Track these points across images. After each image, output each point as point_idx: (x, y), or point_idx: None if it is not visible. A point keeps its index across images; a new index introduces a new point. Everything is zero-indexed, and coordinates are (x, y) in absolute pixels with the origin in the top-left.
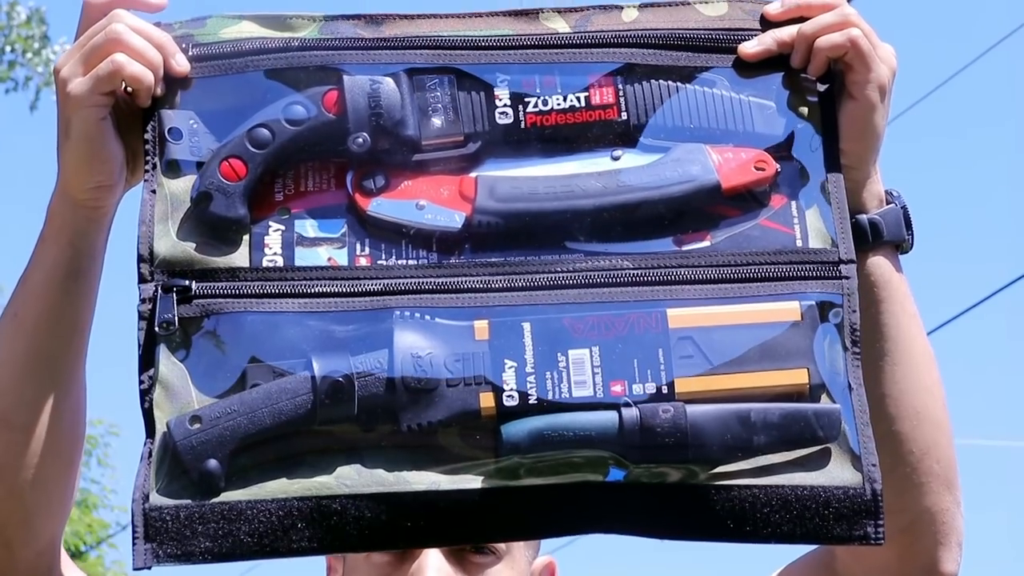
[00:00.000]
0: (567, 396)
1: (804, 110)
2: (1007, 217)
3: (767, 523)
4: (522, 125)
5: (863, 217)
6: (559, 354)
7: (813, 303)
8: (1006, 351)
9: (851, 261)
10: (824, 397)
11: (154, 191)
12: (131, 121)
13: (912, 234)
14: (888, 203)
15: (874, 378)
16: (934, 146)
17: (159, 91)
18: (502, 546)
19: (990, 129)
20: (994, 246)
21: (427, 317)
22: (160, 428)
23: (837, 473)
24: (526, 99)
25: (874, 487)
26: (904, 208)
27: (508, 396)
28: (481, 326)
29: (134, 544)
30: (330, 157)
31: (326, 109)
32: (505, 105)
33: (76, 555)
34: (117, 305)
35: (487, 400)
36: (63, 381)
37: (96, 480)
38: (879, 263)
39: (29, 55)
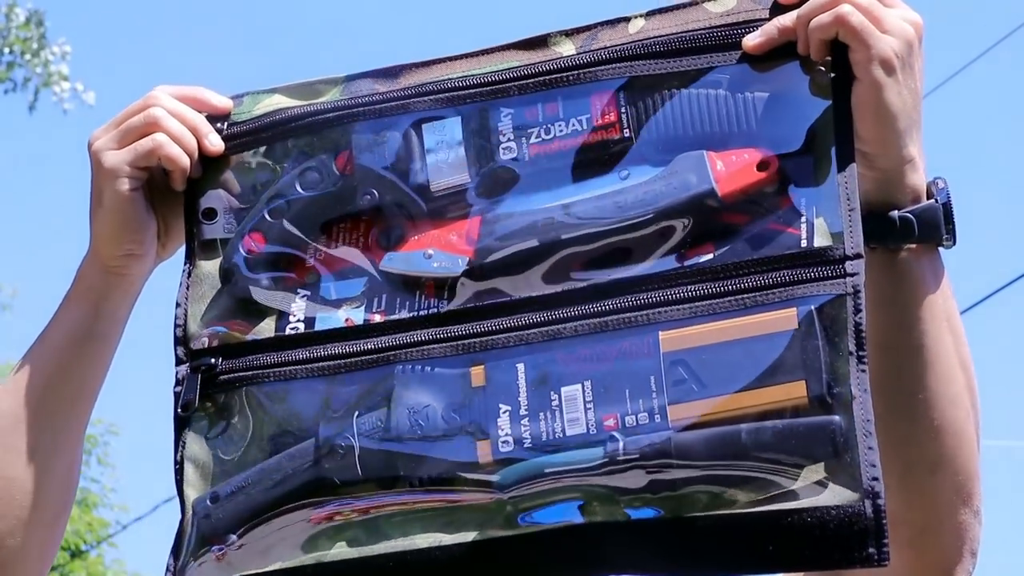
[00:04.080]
0: (561, 436)
1: (816, 99)
2: (1007, 217)
3: (763, 551)
4: (526, 158)
5: (895, 214)
6: (552, 392)
7: (811, 308)
8: (1006, 351)
9: (858, 256)
10: (824, 409)
11: (189, 274)
12: (165, 194)
13: (954, 231)
14: (930, 196)
15: (892, 384)
16: (935, 146)
17: (195, 174)
18: None
19: (990, 129)
20: (994, 246)
21: (427, 368)
22: (188, 509)
23: (836, 492)
24: (529, 130)
25: (876, 503)
26: (946, 204)
27: (503, 442)
28: (477, 372)
29: None
30: (349, 216)
31: (338, 169)
32: (508, 140)
33: (76, 554)
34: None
35: (484, 448)
36: (60, 440)
37: (96, 479)
38: (910, 263)
39: (28, 56)
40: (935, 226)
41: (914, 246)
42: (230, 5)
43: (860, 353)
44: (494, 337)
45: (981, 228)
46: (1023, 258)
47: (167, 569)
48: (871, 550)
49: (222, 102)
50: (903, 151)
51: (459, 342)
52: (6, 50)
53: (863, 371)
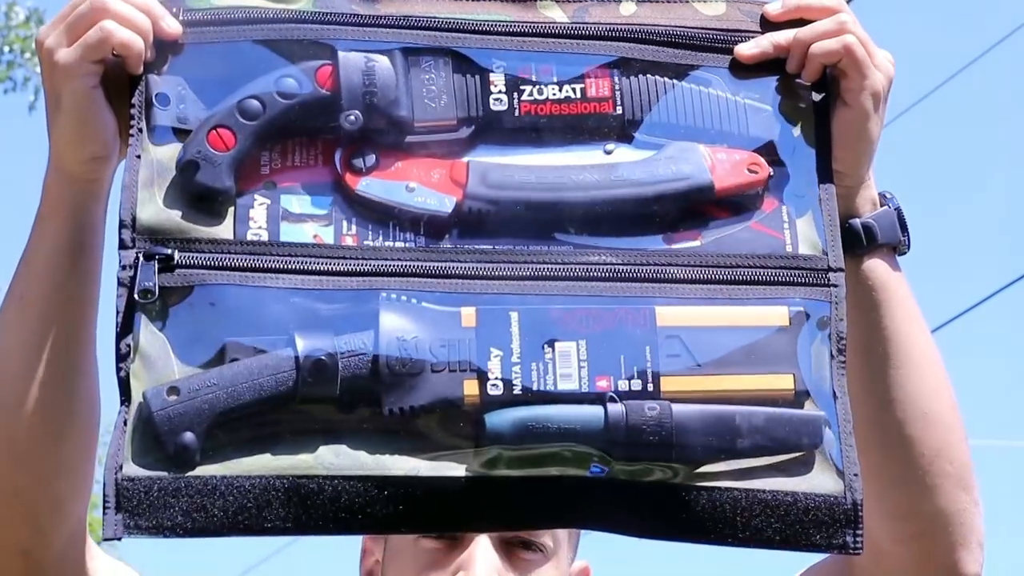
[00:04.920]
0: (552, 388)
1: (798, 115)
2: (1007, 217)
3: (746, 527)
4: (516, 113)
5: (856, 221)
6: (546, 345)
7: (801, 309)
8: (1006, 351)
9: (840, 269)
10: (809, 404)
11: (139, 156)
12: (121, 90)
13: (908, 236)
14: (882, 206)
15: (878, 383)
16: (934, 145)
17: (149, 56)
18: (550, 544)
19: (990, 129)
20: (994, 246)
21: (413, 301)
22: (136, 398)
23: (819, 481)
24: (521, 87)
25: (855, 496)
26: (898, 210)
27: (492, 385)
28: (468, 313)
29: (104, 513)
30: (320, 133)
31: (319, 84)
32: (500, 91)
33: None
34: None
35: (471, 387)
36: (78, 360)
37: (96, 479)
38: (875, 266)
39: (27, 55)
40: (893, 229)
41: (876, 252)
42: None
43: (840, 358)
44: (489, 282)
45: (981, 228)
46: (1023, 258)
47: (111, 459)
48: (848, 539)
49: None
50: (865, 171)
51: (451, 280)
52: (6, 49)
53: (843, 374)
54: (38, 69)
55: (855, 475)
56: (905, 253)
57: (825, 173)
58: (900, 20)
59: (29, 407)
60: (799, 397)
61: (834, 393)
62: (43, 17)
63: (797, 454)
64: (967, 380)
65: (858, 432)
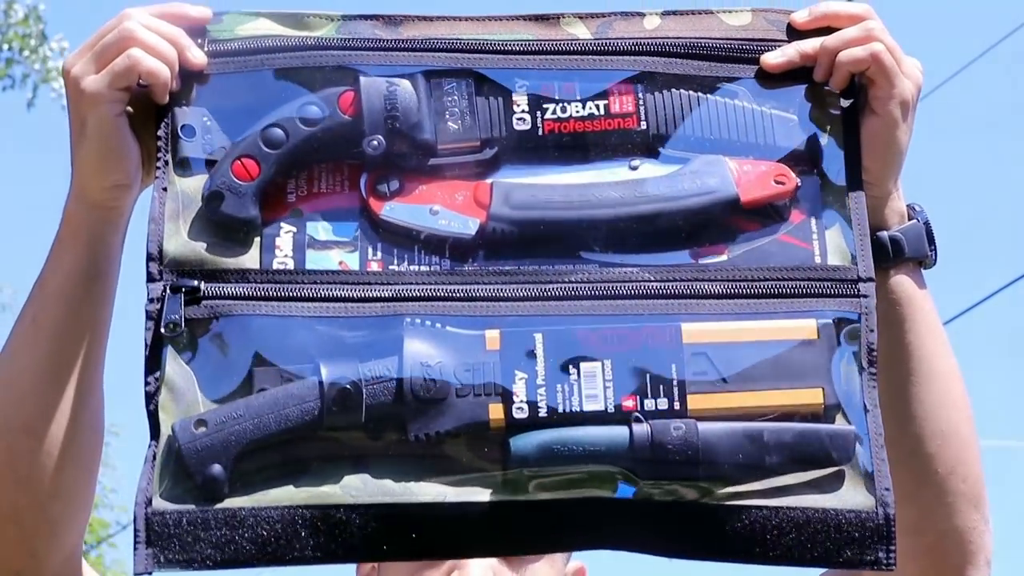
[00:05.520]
0: (578, 409)
1: (826, 124)
2: (1007, 217)
3: (777, 545)
4: (540, 132)
5: (884, 234)
6: (571, 366)
7: (830, 321)
8: (1006, 351)
9: (870, 280)
10: (839, 418)
11: (165, 188)
12: (146, 119)
13: (935, 250)
14: (910, 219)
15: (899, 397)
16: (933, 145)
17: (175, 86)
18: None
19: (990, 128)
20: (993, 246)
21: (438, 325)
22: (165, 431)
23: (850, 496)
24: (544, 105)
25: (887, 511)
26: (927, 224)
27: (518, 408)
28: (492, 336)
29: (135, 548)
30: (344, 159)
31: (341, 110)
32: (523, 111)
33: None
34: (118, 305)
35: (496, 411)
36: (84, 386)
37: (97, 480)
38: (901, 281)
39: (26, 53)
40: (921, 242)
41: (902, 266)
42: (230, 5)
43: (871, 370)
44: (513, 304)
45: (981, 228)
46: (1023, 258)
47: (141, 494)
48: (880, 554)
49: (200, 11)
50: (893, 181)
51: (475, 303)
52: (5, 46)
53: (873, 387)
54: (36, 67)
55: (887, 489)
56: (931, 267)
57: (855, 182)
58: (902, 19)
59: (35, 429)
60: (829, 411)
61: (865, 406)
62: (41, 15)
63: (828, 470)
64: (968, 380)
65: None
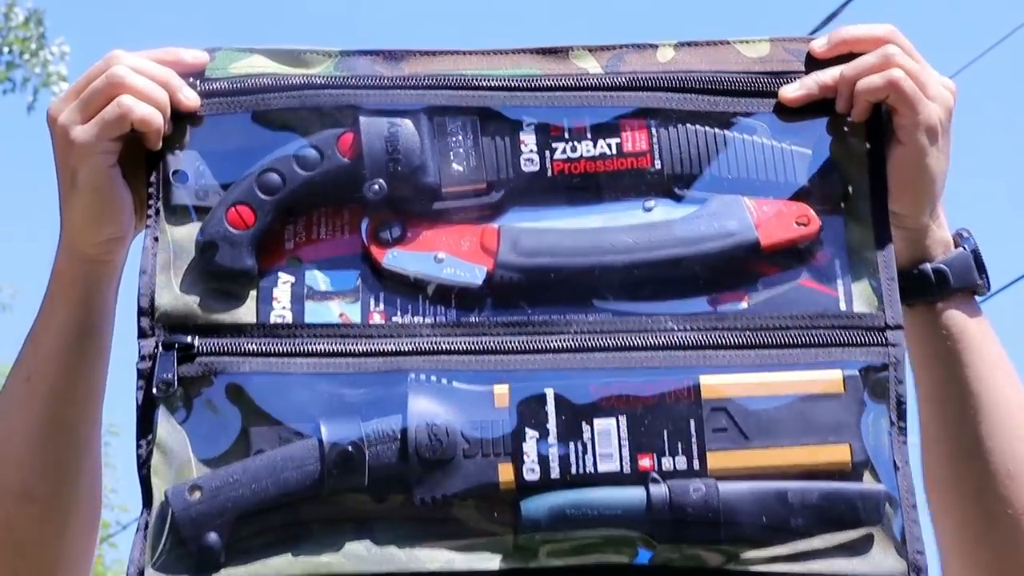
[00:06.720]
0: (592, 470)
1: (850, 159)
2: (1008, 217)
3: None
4: (549, 173)
5: (927, 266)
6: (584, 424)
7: (856, 373)
8: (1006, 351)
9: (898, 327)
10: (868, 475)
11: (156, 238)
12: (137, 164)
13: (986, 276)
14: (956, 247)
15: (962, 433)
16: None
17: (168, 130)
18: None
19: (990, 128)
20: (994, 246)
21: (444, 381)
22: (158, 497)
23: (880, 559)
24: (554, 144)
25: None
26: (975, 251)
27: (529, 469)
28: (501, 392)
29: None
30: (346, 203)
31: (341, 153)
32: (531, 151)
33: None
34: (118, 306)
35: (506, 472)
36: (81, 446)
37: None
38: (952, 314)
39: (27, 56)
40: (969, 272)
41: (952, 296)
42: (231, 8)
43: (901, 424)
44: (522, 357)
45: (982, 228)
46: (1023, 258)
47: (133, 564)
48: None
49: (195, 56)
50: (929, 212)
51: (482, 357)
52: (5, 50)
53: (904, 442)
54: (37, 70)
55: (919, 553)
56: (984, 294)
57: (881, 220)
58: (902, 19)
59: (33, 494)
60: (857, 468)
61: (895, 463)
62: (42, 18)
63: (857, 532)
64: None
65: (940, 490)
